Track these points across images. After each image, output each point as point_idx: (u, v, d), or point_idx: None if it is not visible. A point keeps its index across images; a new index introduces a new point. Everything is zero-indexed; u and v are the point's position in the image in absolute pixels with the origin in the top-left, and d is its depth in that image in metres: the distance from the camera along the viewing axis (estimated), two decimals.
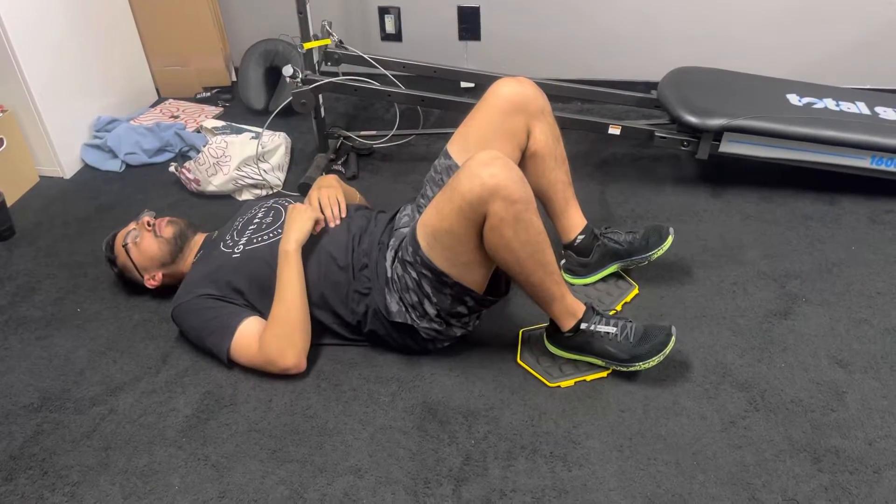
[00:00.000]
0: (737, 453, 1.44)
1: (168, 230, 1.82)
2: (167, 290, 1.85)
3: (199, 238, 1.88)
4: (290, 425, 1.55)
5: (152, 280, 1.84)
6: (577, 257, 1.86)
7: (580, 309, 1.59)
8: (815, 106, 2.23)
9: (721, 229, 2.10)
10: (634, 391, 1.59)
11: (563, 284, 1.56)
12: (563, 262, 1.89)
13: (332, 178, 1.89)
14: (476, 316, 1.67)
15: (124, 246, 1.82)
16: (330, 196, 1.79)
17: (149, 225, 1.83)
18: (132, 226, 1.85)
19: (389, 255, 1.65)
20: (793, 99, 2.27)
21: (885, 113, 2.23)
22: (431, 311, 1.59)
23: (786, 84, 2.38)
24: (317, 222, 1.70)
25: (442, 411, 1.57)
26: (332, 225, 1.74)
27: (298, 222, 1.66)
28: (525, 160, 1.76)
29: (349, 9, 2.94)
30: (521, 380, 1.63)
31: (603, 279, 1.89)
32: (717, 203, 2.22)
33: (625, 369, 1.59)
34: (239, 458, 1.48)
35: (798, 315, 1.78)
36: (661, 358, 1.55)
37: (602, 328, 1.59)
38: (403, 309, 1.61)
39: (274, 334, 1.61)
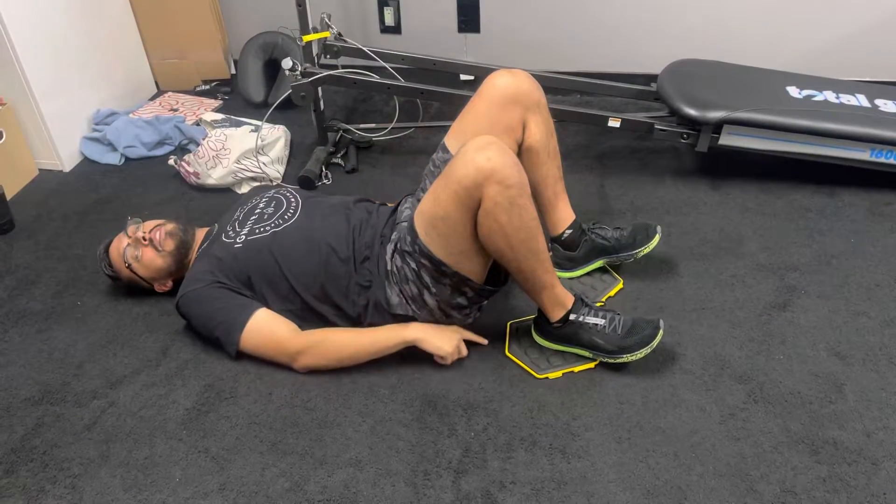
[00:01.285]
0: (735, 445, 1.45)
1: (169, 243, 1.79)
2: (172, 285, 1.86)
3: (200, 234, 1.88)
4: (290, 418, 1.55)
5: (163, 286, 1.85)
6: (564, 251, 1.87)
7: (569, 300, 1.60)
8: (814, 98, 2.23)
9: (720, 222, 2.10)
10: (633, 383, 1.59)
11: (554, 274, 1.57)
12: (550, 254, 1.89)
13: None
14: (477, 307, 1.67)
15: (128, 266, 1.80)
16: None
17: (145, 241, 1.78)
18: (126, 241, 1.80)
19: (390, 247, 1.65)
20: (793, 91, 2.26)
21: (885, 105, 2.22)
22: (431, 302, 1.59)
23: (786, 76, 2.38)
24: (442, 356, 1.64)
25: (441, 403, 1.57)
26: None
27: (444, 345, 1.61)
28: (520, 154, 1.75)
29: (348, 1, 2.94)
30: (520, 372, 1.64)
31: (588, 273, 1.89)
32: (716, 195, 2.22)
33: (612, 361, 1.59)
34: (239, 451, 1.49)
35: (797, 307, 1.78)
36: (649, 351, 1.56)
37: (590, 319, 1.59)
38: (404, 301, 1.61)
39: (317, 343, 1.63)
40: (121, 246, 1.81)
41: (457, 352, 1.64)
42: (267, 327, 1.64)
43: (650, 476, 1.40)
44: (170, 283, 1.85)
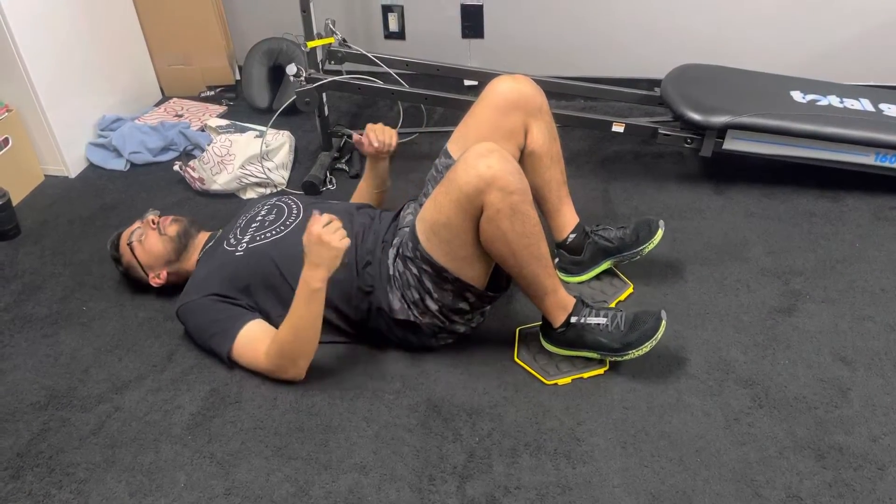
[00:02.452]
0: (740, 450, 1.45)
1: (172, 228, 1.83)
2: (172, 288, 1.86)
3: (203, 236, 1.89)
4: (294, 423, 1.56)
5: (157, 279, 1.85)
6: (570, 256, 1.87)
7: (570, 303, 1.60)
8: (818, 103, 2.23)
9: (724, 226, 2.10)
10: (638, 388, 1.59)
11: (556, 278, 1.57)
12: (556, 260, 1.89)
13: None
14: (479, 312, 1.68)
15: (129, 244, 1.83)
16: (385, 130, 1.84)
17: (153, 223, 1.84)
18: (137, 224, 1.87)
19: (392, 252, 1.65)
20: (796, 96, 2.26)
21: (889, 110, 2.22)
22: (433, 306, 1.59)
23: (789, 81, 2.38)
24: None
25: (446, 408, 1.57)
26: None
27: (328, 259, 1.49)
28: (522, 158, 1.76)
29: (353, 7, 2.95)
30: (525, 377, 1.64)
31: (597, 277, 1.89)
32: (720, 200, 2.22)
33: (619, 359, 1.59)
34: (244, 456, 1.49)
35: (801, 312, 1.78)
36: (654, 343, 1.55)
37: (592, 320, 1.59)
38: (405, 306, 1.61)
39: (278, 354, 1.59)
40: (131, 229, 1.86)
41: (338, 243, 1.48)
42: (252, 344, 1.63)
43: (655, 481, 1.40)
44: (164, 275, 1.85)
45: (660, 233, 1.80)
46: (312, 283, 1.51)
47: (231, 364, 1.67)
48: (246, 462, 1.48)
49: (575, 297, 1.62)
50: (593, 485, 1.40)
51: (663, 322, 1.56)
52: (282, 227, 1.74)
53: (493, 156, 1.41)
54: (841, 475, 1.39)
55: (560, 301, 1.59)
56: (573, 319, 1.59)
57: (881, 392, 1.56)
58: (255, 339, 1.63)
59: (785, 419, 1.51)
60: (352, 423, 1.55)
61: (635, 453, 1.45)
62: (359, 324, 1.69)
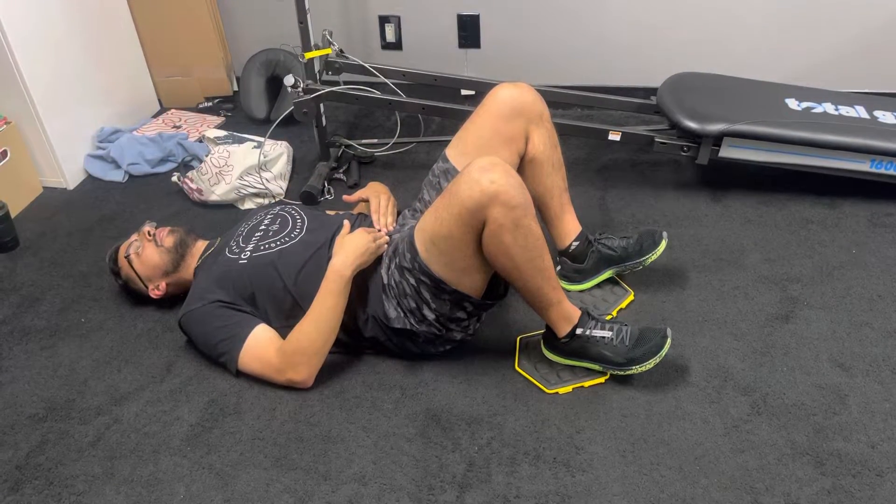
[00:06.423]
0: (739, 457, 1.45)
1: (169, 239, 1.83)
2: (170, 299, 1.86)
3: (200, 245, 1.89)
4: (294, 433, 1.56)
5: (157, 290, 1.85)
6: (572, 263, 1.87)
7: (576, 314, 1.60)
8: (814, 110, 2.24)
9: (721, 234, 2.11)
10: (637, 396, 1.59)
11: (560, 290, 1.57)
12: (558, 267, 1.89)
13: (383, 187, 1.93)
14: (476, 319, 1.68)
15: (127, 257, 1.83)
16: (391, 203, 1.85)
17: (149, 235, 1.84)
18: (134, 237, 1.87)
19: (385, 261, 1.66)
20: (792, 103, 2.27)
21: (884, 116, 2.23)
22: (430, 315, 1.59)
23: (785, 88, 2.39)
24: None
25: (445, 418, 1.57)
26: (383, 232, 1.75)
27: (365, 253, 1.62)
28: (523, 166, 1.77)
29: (350, 18, 2.96)
30: (524, 386, 1.64)
31: (598, 285, 1.90)
32: (717, 207, 2.23)
33: (622, 373, 1.59)
34: (243, 467, 1.49)
35: (799, 319, 1.78)
36: (658, 360, 1.56)
37: (597, 333, 1.59)
38: (402, 314, 1.61)
39: (295, 349, 1.60)
40: (129, 242, 1.87)
41: (374, 244, 1.66)
42: (261, 348, 1.63)
43: (655, 489, 1.40)
44: (163, 286, 1.85)
45: (663, 244, 1.80)
46: (344, 271, 1.59)
47: (237, 371, 1.67)
48: (245, 473, 1.48)
49: (581, 308, 1.62)
50: (593, 493, 1.40)
51: (668, 340, 1.56)
52: (286, 239, 1.74)
53: (496, 170, 1.42)
54: (840, 482, 1.39)
55: (564, 312, 1.59)
56: (579, 331, 1.59)
57: (879, 398, 1.56)
58: (264, 342, 1.64)
59: (784, 426, 1.51)
60: (351, 433, 1.55)
61: (634, 461, 1.45)
62: (356, 333, 1.69)
